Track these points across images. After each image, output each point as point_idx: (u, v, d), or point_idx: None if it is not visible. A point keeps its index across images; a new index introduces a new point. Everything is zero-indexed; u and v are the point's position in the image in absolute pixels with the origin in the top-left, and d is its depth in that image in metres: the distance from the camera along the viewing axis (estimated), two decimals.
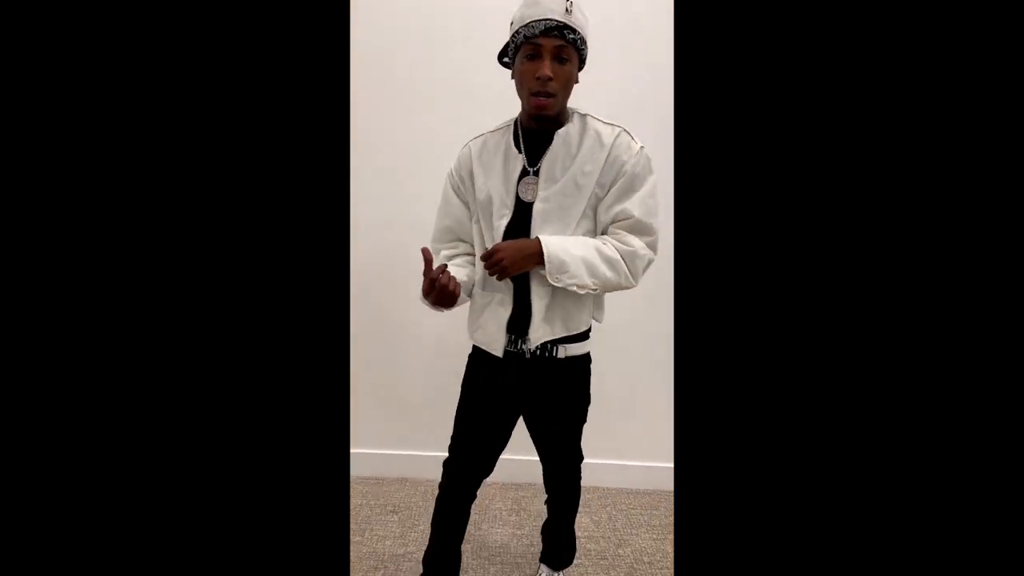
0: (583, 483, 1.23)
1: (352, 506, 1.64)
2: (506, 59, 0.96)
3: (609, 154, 0.92)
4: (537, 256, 0.89)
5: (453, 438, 1.08)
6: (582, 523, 1.67)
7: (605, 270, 0.91)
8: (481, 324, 1.00)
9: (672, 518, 1.65)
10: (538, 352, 0.98)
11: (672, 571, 1.41)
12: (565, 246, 0.90)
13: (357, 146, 1.69)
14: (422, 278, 0.89)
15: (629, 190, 0.93)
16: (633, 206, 0.92)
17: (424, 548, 1.15)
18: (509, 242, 0.91)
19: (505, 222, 0.94)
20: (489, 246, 0.95)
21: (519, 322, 0.97)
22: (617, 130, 0.94)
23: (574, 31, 0.87)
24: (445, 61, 1.74)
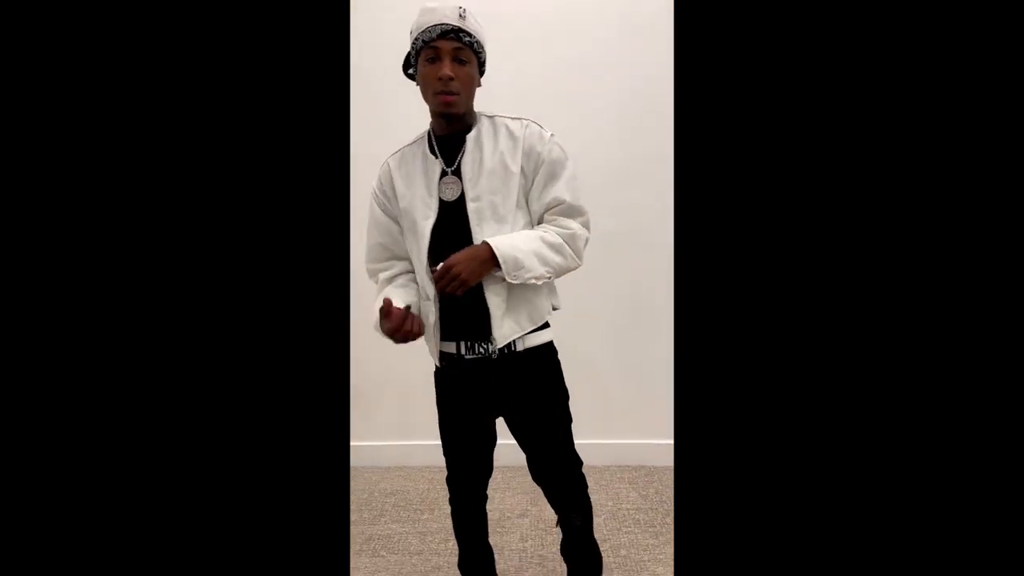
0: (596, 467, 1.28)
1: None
2: (410, 71, 0.99)
3: (524, 144, 0.95)
4: (490, 260, 0.90)
5: (444, 453, 1.10)
6: (629, 497, 1.80)
7: (554, 256, 0.95)
8: (427, 337, 1.01)
9: None
10: (473, 350, 0.98)
11: None
12: (514, 243, 0.92)
13: (356, 146, 1.84)
14: (377, 316, 0.94)
15: (552, 176, 0.96)
16: (561, 191, 0.96)
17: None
18: (459, 254, 0.90)
19: (430, 223, 0.96)
20: (419, 250, 0.97)
21: (464, 327, 0.98)
22: (526, 122, 0.98)
23: (469, 34, 0.91)
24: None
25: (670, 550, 1.50)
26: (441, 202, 0.96)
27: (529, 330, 0.99)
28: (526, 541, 1.59)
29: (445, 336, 1.00)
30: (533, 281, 0.93)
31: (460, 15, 0.90)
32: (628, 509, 1.73)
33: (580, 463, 1.08)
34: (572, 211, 0.98)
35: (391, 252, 1.04)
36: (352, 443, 2.07)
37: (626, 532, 1.60)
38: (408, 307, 0.95)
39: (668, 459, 1.99)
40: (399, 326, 0.90)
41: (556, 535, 1.62)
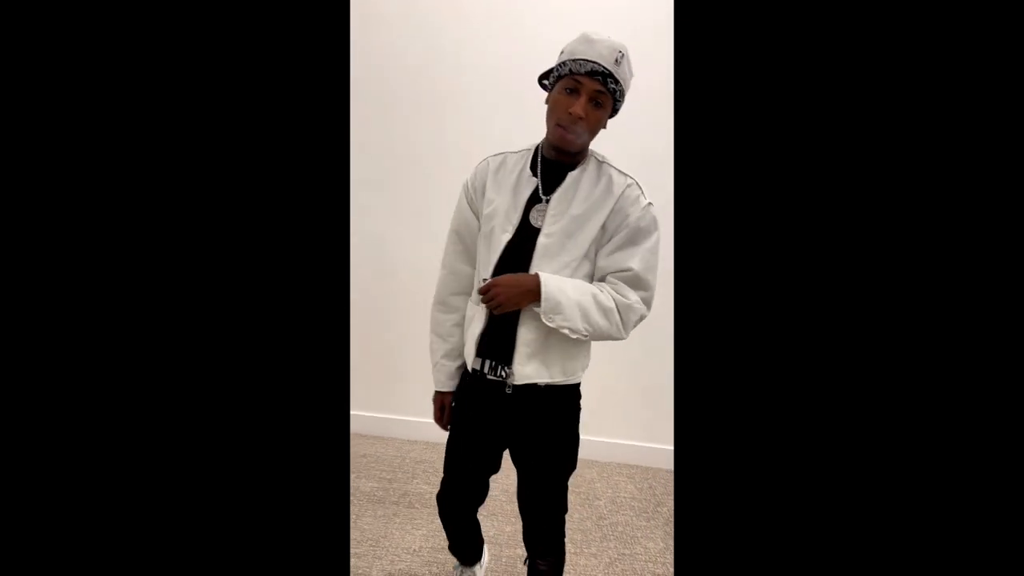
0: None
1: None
2: (545, 81, 0.97)
3: (617, 203, 0.93)
4: (534, 293, 0.89)
5: (444, 465, 1.10)
6: (627, 488, 2.07)
7: (598, 318, 0.91)
8: (469, 335, 1.01)
9: None
10: (492, 373, 0.98)
11: None
12: (563, 287, 0.90)
13: (353, 145, 2.14)
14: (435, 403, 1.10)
15: (631, 243, 0.94)
16: (634, 260, 0.93)
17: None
18: (506, 276, 0.91)
19: (507, 238, 0.94)
20: (488, 261, 0.97)
21: (496, 348, 0.97)
22: (629, 181, 0.96)
23: (617, 82, 0.89)
24: (440, 69, 2.15)
25: (659, 532, 1.77)
26: (523, 222, 0.95)
27: (559, 381, 0.97)
28: None
29: (482, 352, 0.99)
30: (566, 331, 0.90)
31: (616, 60, 0.87)
32: (625, 497, 1.99)
33: (565, 510, 1.08)
34: (637, 282, 0.94)
35: (462, 240, 1.05)
36: (385, 415, 2.33)
37: (622, 514, 1.87)
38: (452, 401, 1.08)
39: (666, 463, 2.25)
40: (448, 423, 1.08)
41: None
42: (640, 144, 2.05)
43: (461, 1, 2.13)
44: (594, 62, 0.87)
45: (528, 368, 0.95)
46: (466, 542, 1.23)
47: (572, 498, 1.94)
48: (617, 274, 0.95)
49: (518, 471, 1.07)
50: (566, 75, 0.89)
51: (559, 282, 0.91)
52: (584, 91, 0.88)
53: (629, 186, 0.96)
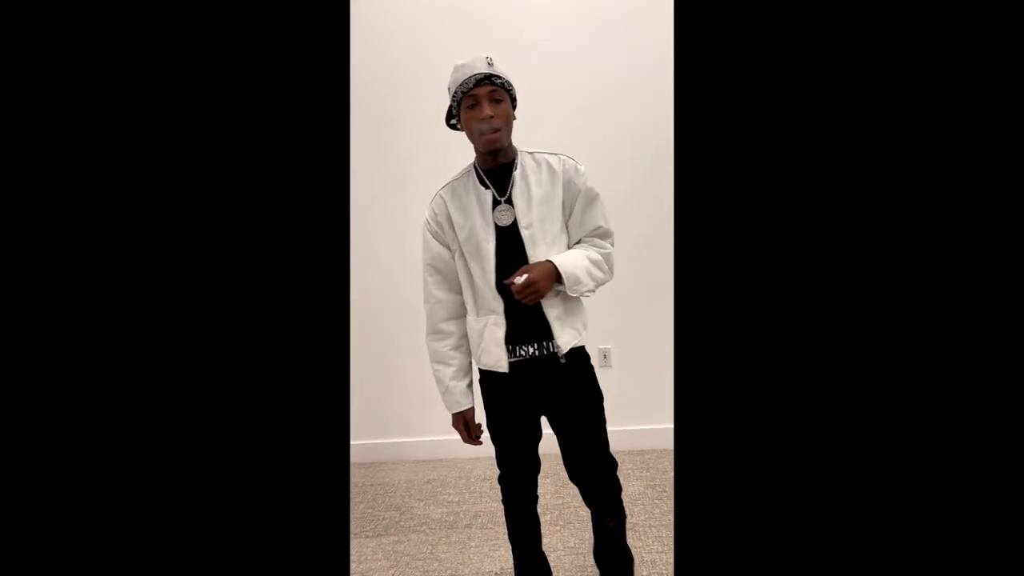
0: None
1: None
2: (452, 121, 1.14)
3: (563, 179, 1.10)
4: (555, 276, 1.04)
5: (497, 454, 1.20)
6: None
7: (597, 271, 1.10)
8: (484, 349, 1.12)
9: None
10: (537, 354, 1.10)
11: None
12: (572, 261, 1.06)
13: (354, 148, 2.13)
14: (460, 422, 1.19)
15: (589, 205, 1.12)
16: (599, 218, 1.13)
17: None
18: (536, 271, 1.02)
19: (492, 246, 1.08)
20: (484, 271, 1.09)
21: (522, 334, 1.10)
22: (562, 157, 1.12)
23: (500, 76, 1.05)
24: (435, 72, 2.08)
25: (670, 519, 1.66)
26: (497, 227, 1.09)
27: (583, 340, 1.13)
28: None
29: (512, 340, 1.10)
30: (587, 293, 1.08)
31: (488, 63, 1.05)
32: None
33: (615, 465, 1.15)
34: (606, 234, 1.15)
35: (439, 272, 1.15)
36: (445, 437, 2.30)
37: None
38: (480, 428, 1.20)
39: (666, 443, 2.18)
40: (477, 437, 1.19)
41: (642, 505, 1.79)
42: (646, 158, 1.98)
43: (461, 3, 2.09)
44: (475, 74, 1.03)
45: (566, 336, 1.10)
46: (535, 570, 1.25)
47: (649, 492, 1.87)
48: (592, 232, 1.14)
49: (562, 437, 1.16)
50: (462, 98, 1.05)
51: (566, 259, 1.06)
52: (482, 98, 1.04)
53: (564, 161, 1.12)
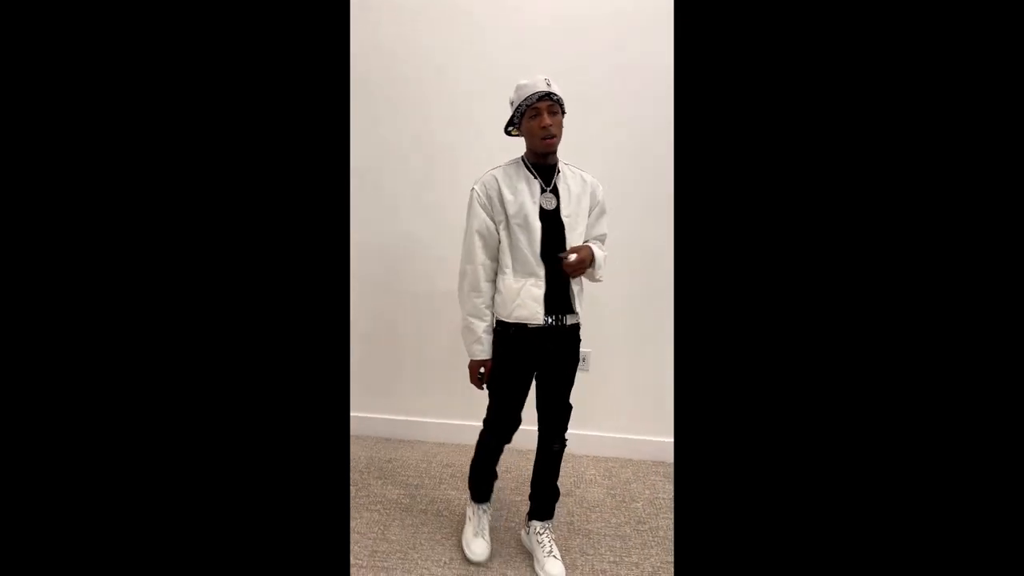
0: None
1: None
2: (510, 128, 1.42)
3: (590, 188, 1.43)
4: (591, 261, 1.38)
5: (493, 399, 1.48)
6: (666, 488, 1.96)
7: (603, 267, 1.44)
8: (520, 303, 1.37)
9: None
10: (554, 323, 1.40)
11: None
12: (599, 253, 1.41)
13: (353, 147, 2.05)
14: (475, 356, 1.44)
15: (602, 215, 1.47)
16: (605, 228, 1.49)
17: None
18: (585, 251, 1.35)
19: (539, 224, 1.35)
20: (531, 241, 1.35)
21: (551, 301, 1.38)
22: (589, 175, 1.45)
23: (556, 94, 1.32)
24: (434, 66, 2.07)
25: (625, 531, 1.66)
26: (541, 209, 1.37)
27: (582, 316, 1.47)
28: (572, 516, 1.76)
29: (547, 310, 1.38)
30: (597, 280, 1.44)
31: (547, 84, 1.31)
32: (664, 498, 1.89)
33: (571, 408, 1.52)
34: (605, 240, 1.51)
35: (485, 241, 1.39)
36: (414, 417, 2.27)
37: (663, 517, 1.76)
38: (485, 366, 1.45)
39: None
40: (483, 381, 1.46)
41: (599, 512, 1.78)
42: (648, 163, 1.99)
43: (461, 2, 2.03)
44: (537, 91, 1.30)
45: (581, 308, 1.45)
46: (487, 478, 1.60)
47: (608, 500, 1.87)
48: (597, 237, 1.49)
49: (542, 388, 1.50)
50: (525, 110, 1.33)
51: (597, 251, 1.41)
52: (543, 110, 1.31)
53: (591, 178, 1.46)
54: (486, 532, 1.57)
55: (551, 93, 1.30)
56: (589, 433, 2.19)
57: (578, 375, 2.05)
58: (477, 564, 1.49)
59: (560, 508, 1.80)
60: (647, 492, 1.93)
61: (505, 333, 1.41)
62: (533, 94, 1.30)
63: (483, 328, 1.41)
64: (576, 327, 1.45)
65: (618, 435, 2.20)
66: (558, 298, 1.38)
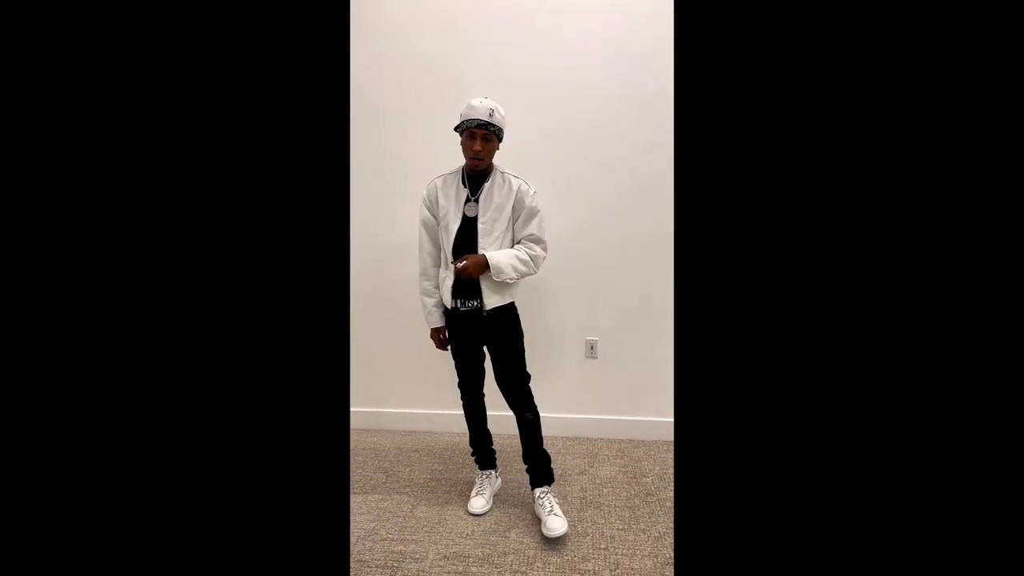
0: None
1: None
2: (458, 129, 1.61)
3: (516, 196, 1.63)
4: (485, 266, 1.58)
5: (456, 366, 1.80)
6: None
7: (521, 267, 1.64)
8: (444, 289, 1.70)
9: None
10: (474, 306, 1.67)
11: None
12: (500, 258, 1.60)
13: (354, 147, 2.27)
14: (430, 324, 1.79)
15: (530, 218, 1.65)
16: (534, 228, 1.66)
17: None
18: (472, 259, 1.57)
19: (456, 227, 1.63)
20: (447, 243, 1.65)
21: (464, 292, 1.65)
22: (520, 181, 1.64)
23: (494, 126, 1.55)
24: (432, 70, 2.22)
25: (634, 503, 1.77)
26: (464, 216, 1.64)
27: (505, 303, 1.68)
28: (586, 492, 1.90)
29: (455, 295, 1.68)
30: (508, 280, 1.62)
31: (490, 113, 1.54)
32: (672, 473, 2.00)
33: (528, 378, 1.74)
34: (538, 240, 1.68)
35: (428, 234, 1.73)
36: (437, 411, 2.44)
37: (671, 489, 1.88)
38: (444, 328, 1.78)
39: None
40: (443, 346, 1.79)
41: (611, 488, 1.91)
42: (648, 164, 2.05)
43: (461, 3, 2.18)
44: (477, 119, 1.54)
45: (493, 299, 1.66)
46: (481, 441, 1.88)
47: (620, 476, 1.99)
48: (527, 238, 1.67)
49: (494, 362, 1.73)
50: (464, 130, 1.57)
51: (497, 255, 1.60)
52: (477, 136, 1.56)
53: (520, 184, 1.65)
54: (486, 492, 1.84)
55: (489, 123, 1.54)
56: (603, 417, 2.32)
57: (588, 363, 2.22)
58: (476, 516, 1.78)
59: (574, 485, 1.93)
60: (657, 468, 2.05)
61: (448, 314, 1.75)
62: (473, 119, 1.53)
63: (432, 303, 1.76)
64: (504, 310, 1.68)
65: (630, 417, 2.32)
66: (467, 287, 1.64)
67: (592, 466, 2.08)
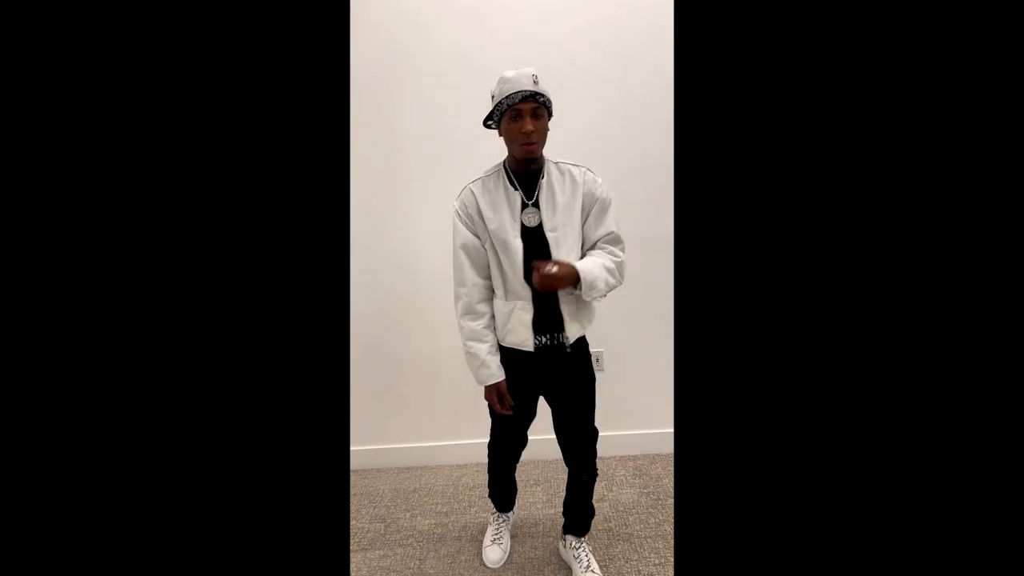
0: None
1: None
2: (489, 123, 1.23)
3: (583, 187, 1.22)
4: (574, 279, 1.16)
5: (493, 424, 1.40)
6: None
7: (611, 279, 1.21)
8: (511, 329, 1.26)
9: None
10: (550, 343, 1.27)
11: None
12: (591, 269, 1.17)
13: (355, 148, 2.01)
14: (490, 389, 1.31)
15: (603, 212, 1.24)
16: (612, 225, 1.25)
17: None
18: (562, 268, 1.14)
19: (519, 243, 1.19)
20: (512, 263, 1.20)
21: (542, 322, 1.24)
22: (582, 168, 1.24)
23: (543, 95, 1.14)
24: (432, 70, 2.01)
25: (666, 530, 1.62)
26: (522, 227, 1.21)
27: (585, 331, 1.30)
28: (610, 522, 1.72)
29: (539, 331, 1.26)
30: (598, 298, 1.21)
31: (534, 81, 1.13)
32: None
33: (597, 434, 1.38)
34: (618, 240, 1.26)
35: (472, 260, 1.26)
36: (432, 443, 2.22)
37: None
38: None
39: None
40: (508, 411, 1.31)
41: (636, 514, 1.74)
42: (648, 168, 1.98)
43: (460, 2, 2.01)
44: (521, 90, 1.11)
45: (573, 329, 1.27)
46: (506, 491, 1.58)
47: (643, 500, 1.82)
48: (605, 238, 1.25)
49: (558, 410, 1.37)
50: (506, 110, 1.14)
51: (588, 266, 1.17)
52: (525, 113, 1.13)
53: (584, 172, 1.24)
54: (503, 540, 1.57)
55: (537, 93, 1.12)
56: (613, 433, 2.15)
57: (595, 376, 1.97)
58: (493, 570, 1.52)
59: (596, 515, 1.75)
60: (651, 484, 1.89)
61: (504, 356, 1.30)
62: (516, 93, 1.11)
63: (486, 350, 1.27)
64: (579, 343, 1.31)
65: (642, 431, 2.17)
66: (551, 318, 1.25)
67: (611, 490, 1.91)
